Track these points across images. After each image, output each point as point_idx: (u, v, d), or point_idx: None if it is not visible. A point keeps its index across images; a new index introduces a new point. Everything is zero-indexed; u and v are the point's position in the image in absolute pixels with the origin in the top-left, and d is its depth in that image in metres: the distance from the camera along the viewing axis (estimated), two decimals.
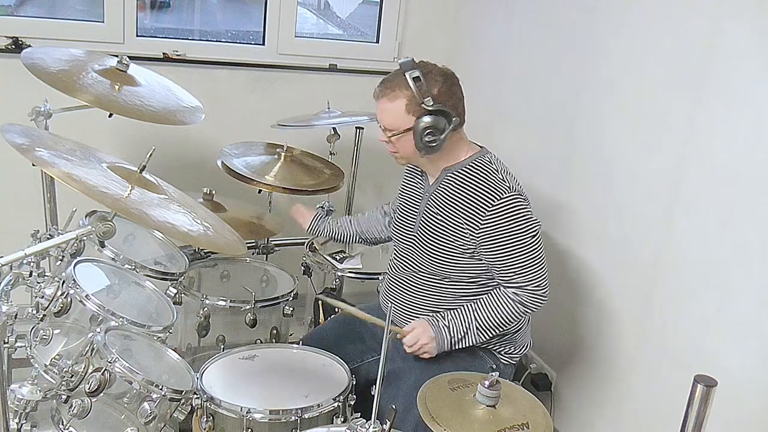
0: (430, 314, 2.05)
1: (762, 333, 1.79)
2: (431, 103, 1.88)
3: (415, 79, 1.87)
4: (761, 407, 1.80)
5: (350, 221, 2.45)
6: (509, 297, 1.96)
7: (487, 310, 1.97)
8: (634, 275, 2.24)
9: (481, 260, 1.98)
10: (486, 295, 2.00)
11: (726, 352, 1.88)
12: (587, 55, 2.46)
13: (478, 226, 1.93)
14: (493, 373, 1.51)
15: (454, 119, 1.92)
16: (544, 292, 1.97)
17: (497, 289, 2.00)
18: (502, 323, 1.97)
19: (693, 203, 2.01)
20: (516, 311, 1.96)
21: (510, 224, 1.91)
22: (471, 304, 1.99)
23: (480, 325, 1.96)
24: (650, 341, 2.17)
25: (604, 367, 2.39)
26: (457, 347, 1.98)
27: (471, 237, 1.95)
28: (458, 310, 1.99)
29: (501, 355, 2.11)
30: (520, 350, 2.14)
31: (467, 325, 1.96)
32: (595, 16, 2.43)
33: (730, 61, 1.89)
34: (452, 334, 1.96)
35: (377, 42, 3.39)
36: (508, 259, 1.93)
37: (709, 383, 1.17)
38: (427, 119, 1.89)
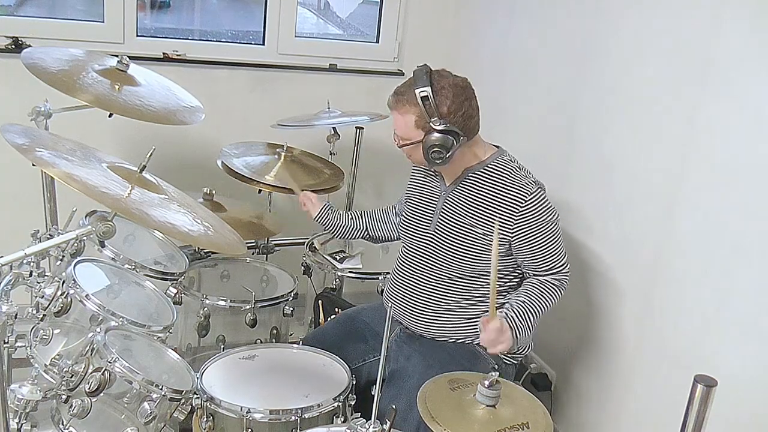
0: (445, 312, 2.06)
1: (762, 333, 1.79)
2: (438, 122, 1.91)
3: (424, 99, 1.89)
4: (761, 407, 1.80)
5: (360, 215, 2.42)
6: (551, 283, 2.01)
7: (540, 301, 1.98)
8: (634, 275, 2.24)
9: (508, 255, 2.02)
10: (530, 286, 2.01)
11: (726, 352, 1.88)
12: (587, 55, 2.46)
13: (512, 223, 1.97)
14: (493, 373, 1.51)
15: (461, 138, 1.94)
16: (569, 272, 2.05)
17: (537, 279, 2.02)
18: (548, 310, 2.00)
19: (693, 203, 2.01)
20: (559, 295, 2.02)
21: (541, 218, 1.97)
22: (521, 296, 1.98)
23: (534, 316, 1.95)
24: (650, 341, 2.17)
25: (604, 367, 2.39)
26: (516, 339, 1.93)
27: (504, 234, 1.98)
28: (515, 305, 1.95)
29: (503, 355, 2.11)
30: (523, 350, 2.14)
31: (528, 319, 1.94)
32: (595, 16, 2.43)
33: (730, 61, 1.89)
34: (518, 330, 1.91)
35: (377, 42, 3.40)
36: (542, 251, 1.99)
37: (709, 383, 1.17)
38: (434, 137, 1.92)
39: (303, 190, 2.47)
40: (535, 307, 1.96)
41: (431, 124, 1.91)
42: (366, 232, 2.42)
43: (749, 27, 1.84)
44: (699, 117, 1.98)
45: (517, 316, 1.92)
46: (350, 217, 2.41)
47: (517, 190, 1.97)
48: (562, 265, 2.03)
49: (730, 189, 1.88)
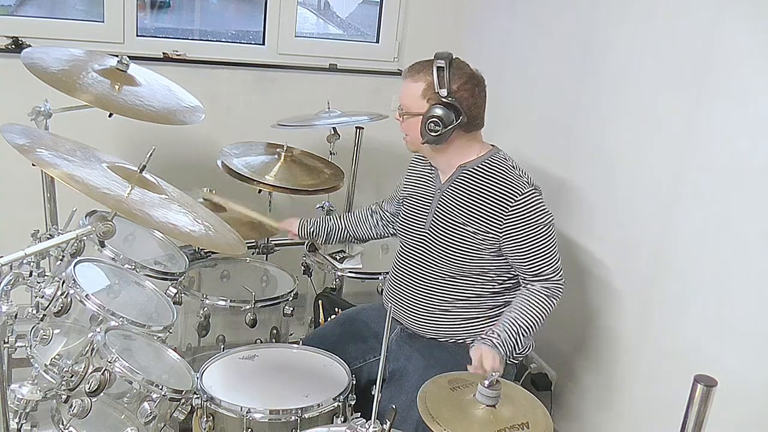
0: (440, 312, 2.07)
1: (762, 333, 1.79)
2: (446, 94, 1.92)
3: (439, 69, 1.93)
4: (761, 407, 1.80)
5: (339, 218, 2.45)
6: (541, 293, 1.99)
7: (529, 314, 1.96)
8: (634, 275, 2.24)
9: (502, 255, 2.01)
10: (520, 299, 2.00)
11: (726, 352, 1.89)
12: (587, 55, 2.46)
13: (501, 223, 1.95)
14: (494, 373, 1.51)
15: (462, 118, 1.94)
16: (563, 281, 2.02)
17: (526, 289, 2.01)
18: (541, 322, 1.98)
19: (693, 203, 2.01)
20: (550, 306, 2.00)
21: (532, 218, 1.95)
22: (512, 312, 1.97)
23: (525, 331, 1.95)
24: (650, 341, 2.17)
25: (604, 367, 2.39)
26: (509, 356, 1.95)
27: (494, 234, 1.97)
28: (503, 321, 1.95)
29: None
30: (524, 351, 2.14)
31: (516, 335, 1.93)
32: (595, 16, 2.44)
33: (730, 61, 1.89)
34: (506, 347, 1.92)
35: (377, 42, 3.40)
36: (531, 253, 1.97)
37: (709, 383, 1.17)
38: (437, 109, 1.94)
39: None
40: (526, 326, 1.94)
41: (439, 93, 1.93)
42: (348, 234, 2.44)
43: (749, 27, 1.84)
44: (699, 117, 1.98)
45: (507, 338, 1.91)
46: (327, 224, 2.43)
47: (509, 189, 1.96)
48: (554, 271, 2.00)
49: (730, 189, 1.89)
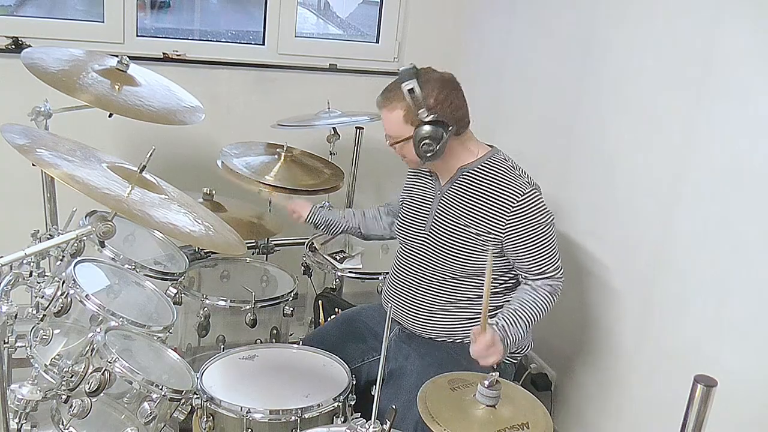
0: (440, 312, 2.06)
1: (762, 333, 1.79)
2: (426, 114, 1.91)
3: (410, 92, 1.91)
4: (761, 407, 1.80)
5: (353, 214, 2.45)
6: (544, 289, 1.99)
7: (531, 308, 1.96)
8: (634, 275, 2.24)
9: (503, 256, 2.01)
10: (523, 293, 2.00)
11: (726, 352, 1.88)
12: (587, 56, 2.46)
13: (503, 224, 1.96)
14: (493, 373, 1.52)
15: (450, 128, 1.94)
16: (563, 278, 2.03)
17: (529, 284, 2.01)
18: (542, 316, 1.98)
19: (693, 203, 2.01)
20: (551, 302, 2.00)
21: (534, 218, 1.95)
22: (515, 303, 1.98)
23: (527, 324, 1.94)
24: (650, 341, 2.17)
25: (604, 367, 2.39)
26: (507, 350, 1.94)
27: (496, 235, 1.97)
28: (506, 313, 1.95)
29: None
30: (522, 350, 2.14)
31: (519, 329, 1.93)
32: (595, 16, 2.44)
33: (730, 61, 1.89)
34: (510, 337, 1.91)
35: (377, 42, 3.40)
36: (533, 253, 1.97)
37: (709, 383, 1.17)
38: (424, 129, 1.93)
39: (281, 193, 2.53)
40: (527, 316, 1.95)
41: (420, 116, 1.92)
42: (358, 230, 2.44)
43: (749, 27, 1.84)
44: (699, 117, 1.98)
45: (508, 325, 1.91)
46: (342, 215, 2.43)
47: (510, 190, 1.96)
48: (555, 269, 2.01)
49: (730, 189, 1.89)
